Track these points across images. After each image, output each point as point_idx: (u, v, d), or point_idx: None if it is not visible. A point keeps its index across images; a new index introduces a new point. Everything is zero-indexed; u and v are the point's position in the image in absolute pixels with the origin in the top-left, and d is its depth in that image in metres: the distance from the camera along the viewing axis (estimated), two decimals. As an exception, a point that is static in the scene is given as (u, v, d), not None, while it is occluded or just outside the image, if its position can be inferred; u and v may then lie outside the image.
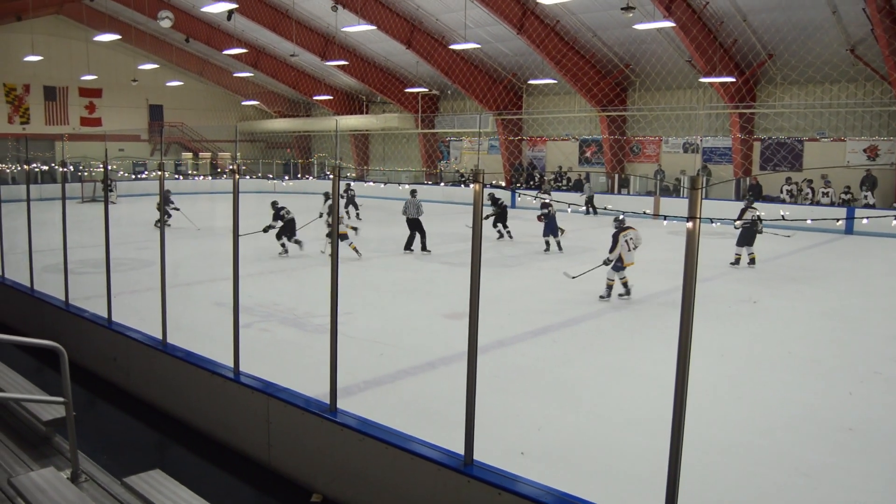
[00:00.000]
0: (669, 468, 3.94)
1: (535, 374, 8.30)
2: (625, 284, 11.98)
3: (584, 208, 25.83)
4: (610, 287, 11.94)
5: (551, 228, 17.13)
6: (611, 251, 11.71)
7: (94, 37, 30.12)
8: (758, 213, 15.38)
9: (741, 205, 16.59)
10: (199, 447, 6.94)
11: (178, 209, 21.19)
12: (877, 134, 24.26)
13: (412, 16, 29.27)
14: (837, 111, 24.89)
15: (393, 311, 11.41)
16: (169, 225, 20.83)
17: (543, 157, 33.78)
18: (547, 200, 16.12)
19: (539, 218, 17.31)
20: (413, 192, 17.09)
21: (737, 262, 15.54)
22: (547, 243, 17.31)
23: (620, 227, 11.75)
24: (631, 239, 11.70)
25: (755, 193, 26.40)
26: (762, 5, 22.11)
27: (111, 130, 38.65)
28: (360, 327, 9.94)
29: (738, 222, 15.35)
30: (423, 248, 16.93)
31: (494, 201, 19.36)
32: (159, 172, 8.15)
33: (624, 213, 6.08)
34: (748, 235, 15.40)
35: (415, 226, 16.93)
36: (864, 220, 13.15)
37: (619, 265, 11.74)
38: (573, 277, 12.34)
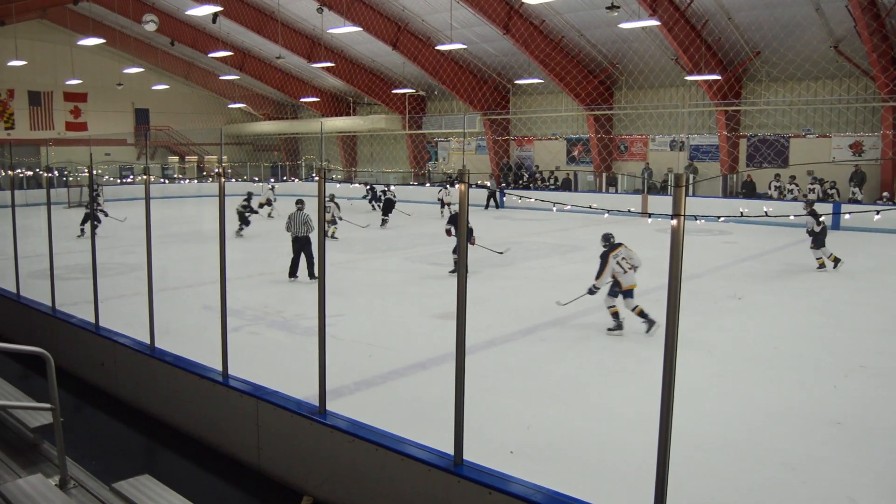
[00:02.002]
0: (658, 465, 3.97)
1: (524, 373, 8.31)
2: (640, 314, 9.84)
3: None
4: (615, 315, 9.99)
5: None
6: (597, 276, 9.93)
7: (79, 41, 29.96)
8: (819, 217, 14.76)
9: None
10: (188, 451, 6.92)
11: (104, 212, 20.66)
12: (861, 130, 24.45)
13: (398, 17, 29.27)
14: (822, 108, 25.06)
15: (383, 312, 11.40)
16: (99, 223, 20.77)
17: (531, 156, 33.85)
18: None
19: (447, 233, 14.88)
20: (299, 205, 13.63)
21: (822, 266, 14.84)
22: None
23: (610, 247, 9.91)
24: (624, 259, 9.80)
25: (748, 191, 26.56)
26: (746, 3, 22.25)
27: (97, 135, 38.44)
28: (349, 329, 9.93)
29: (816, 227, 14.66)
30: (311, 274, 13.35)
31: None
32: (145, 177, 8.11)
33: (609, 210, 5.77)
34: (819, 238, 14.85)
35: (301, 246, 13.43)
36: (847, 216, 13.09)
37: (615, 290, 9.92)
38: (563, 304, 10.93)
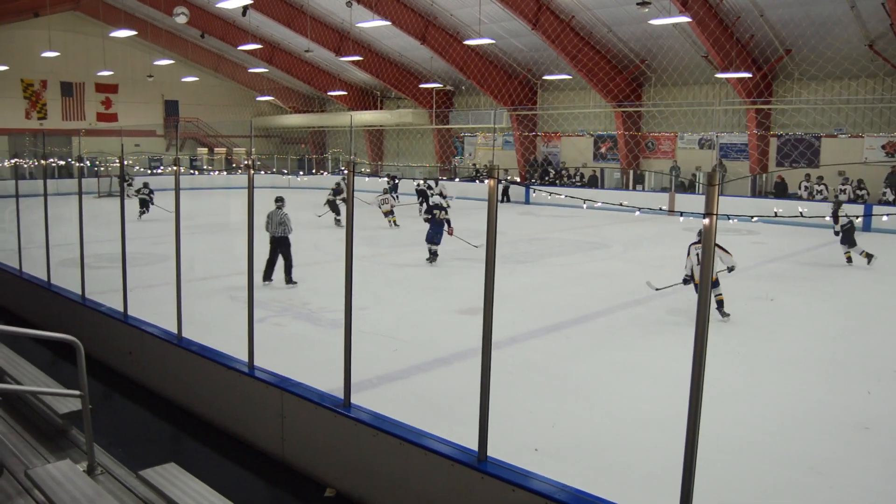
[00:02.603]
0: (685, 466, 3.92)
1: (548, 371, 8.28)
2: (719, 303, 10.48)
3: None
4: (719, 303, 10.57)
5: (434, 233, 15.08)
6: (686, 266, 10.68)
7: (111, 33, 30.32)
8: (848, 215, 15.21)
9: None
10: (213, 441, 6.98)
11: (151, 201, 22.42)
12: (895, 130, 24.00)
13: (427, 11, 29.23)
14: (856, 107, 24.63)
15: (407, 306, 11.42)
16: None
17: (558, 152, 33.68)
18: (442, 203, 15.29)
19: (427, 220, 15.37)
20: (278, 202, 12.61)
21: (849, 260, 15.39)
22: (433, 252, 15.16)
23: (697, 240, 10.28)
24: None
25: (779, 191, 26.23)
26: (779, 0, 21.92)
27: (127, 126, 38.87)
28: (373, 322, 9.95)
29: (836, 226, 15.32)
30: (288, 279, 12.50)
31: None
32: (174, 167, 8.18)
33: (640, 208, 5.98)
34: (848, 235, 15.28)
35: (278, 247, 12.54)
36: (884, 218, 12.97)
37: (688, 279, 10.61)
38: (657, 289, 11.47)
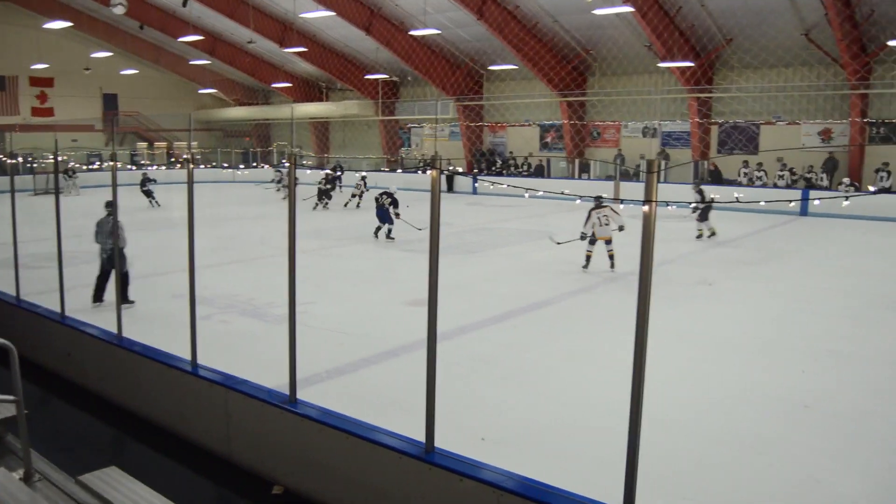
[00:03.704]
0: (628, 450, 3.98)
1: (496, 360, 8.32)
2: (610, 257, 13.14)
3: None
4: (588, 258, 13.28)
5: (382, 216, 17.08)
6: (584, 225, 13.10)
7: (45, 24, 29.31)
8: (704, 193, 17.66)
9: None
10: (157, 442, 6.84)
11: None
12: (830, 117, 24.71)
13: (371, 2, 29.04)
14: (792, 95, 25.29)
15: (354, 299, 11.35)
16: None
17: (504, 142, 33.83)
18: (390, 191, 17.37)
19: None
20: (109, 208, 10.10)
21: (700, 236, 17.35)
22: (381, 229, 17.21)
23: (596, 206, 12.94)
24: (605, 216, 12.91)
25: (714, 178, 26.79)
26: (719, -10, 22.36)
27: (64, 120, 37.71)
28: (321, 316, 9.87)
29: (692, 204, 17.17)
30: (124, 298, 9.74)
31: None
32: (112, 163, 7.95)
33: (581, 197, 6.43)
34: (704, 213, 17.24)
35: (110, 262, 10.11)
36: (816, 202, 13.60)
37: (592, 238, 13.09)
38: (558, 244, 14.11)
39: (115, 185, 8.56)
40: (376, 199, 17.31)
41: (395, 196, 17.16)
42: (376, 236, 17.28)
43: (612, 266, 13.06)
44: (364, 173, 26.34)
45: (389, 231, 17.12)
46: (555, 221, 20.18)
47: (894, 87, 22.87)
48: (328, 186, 24.44)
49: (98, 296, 10.48)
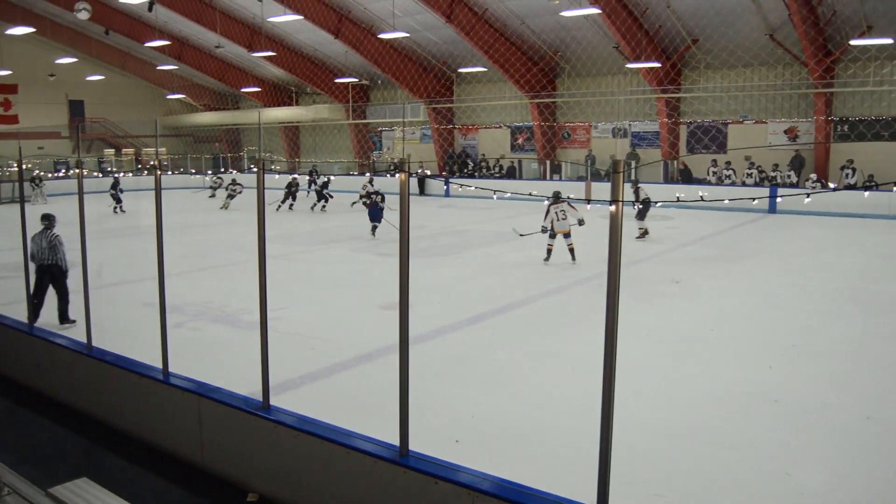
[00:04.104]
0: (601, 448, 4.02)
1: (470, 362, 8.34)
2: (570, 251, 14.08)
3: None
4: (549, 251, 14.21)
5: (375, 214, 18.34)
6: (544, 220, 14.06)
7: (7, 30, 28.83)
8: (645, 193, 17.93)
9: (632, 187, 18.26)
10: (129, 453, 6.75)
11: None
12: (795, 116, 25.12)
13: (340, 5, 28.96)
14: (758, 95, 25.67)
15: (327, 304, 11.31)
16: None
17: (476, 144, 33.92)
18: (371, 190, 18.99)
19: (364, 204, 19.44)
20: (45, 221, 9.86)
21: (641, 235, 17.23)
22: (377, 228, 18.24)
23: (553, 201, 13.70)
24: (562, 211, 13.83)
25: (684, 177, 27.09)
26: (684, -9, 22.63)
27: (28, 128, 37.07)
28: (294, 322, 9.82)
29: (639, 204, 17.37)
30: (63, 317, 9.76)
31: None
32: (78, 170, 7.86)
33: (549, 198, 6.61)
34: (642, 212, 17.35)
35: (48, 276, 9.77)
36: (779, 199, 13.87)
37: (552, 232, 14.00)
38: (521, 235, 15.45)
39: (81, 193, 8.46)
40: (369, 198, 18.62)
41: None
42: (374, 235, 18.02)
43: (573, 259, 14.00)
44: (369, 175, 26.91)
45: (374, 228, 18.12)
46: (526, 222, 20.26)
47: (856, 86, 23.32)
48: (320, 188, 25.21)
49: (35, 314, 9.22)
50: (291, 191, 24.83)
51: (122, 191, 25.23)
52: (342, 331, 9.65)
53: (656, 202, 16.55)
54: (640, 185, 18.68)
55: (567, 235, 13.98)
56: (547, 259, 14.11)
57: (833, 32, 22.45)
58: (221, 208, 25.35)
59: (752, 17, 22.87)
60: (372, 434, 5.29)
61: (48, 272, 9.80)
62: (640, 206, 17.10)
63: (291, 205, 24.81)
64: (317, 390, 7.46)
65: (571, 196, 14.38)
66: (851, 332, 9.49)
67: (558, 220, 13.86)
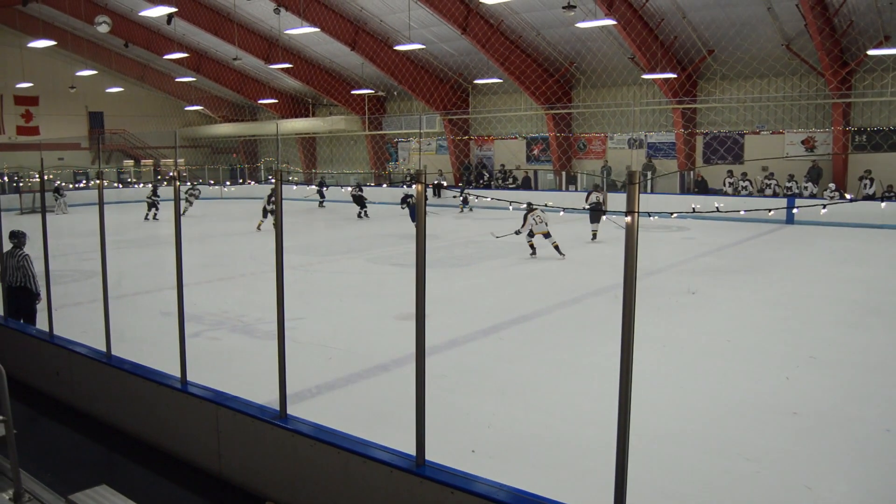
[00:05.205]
0: (617, 459, 4.01)
1: (485, 372, 8.35)
2: (556, 248, 16.08)
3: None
4: (532, 246, 16.32)
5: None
6: (522, 226, 16.17)
7: (29, 43, 29.27)
8: (601, 197, 20.03)
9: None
10: (147, 460, 6.81)
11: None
12: (813, 126, 24.99)
13: (356, 17, 29.16)
14: (775, 105, 25.57)
15: (343, 314, 11.35)
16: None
17: (492, 155, 33.98)
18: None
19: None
20: (14, 240, 9.45)
21: (595, 237, 19.01)
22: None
23: (528, 210, 15.92)
24: (538, 216, 15.92)
25: (701, 188, 27.02)
26: (701, 2, 22.62)
27: (49, 139, 37.58)
28: (310, 332, 9.87)
29: (586, 205, 19.06)
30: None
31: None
32: (98, 181, 7.96)
33: (565, 208, 6.79)
34: (595, 215, 18.82)
35: (16, 299, 9.41)
36: (795, 210, 13.84)
37: (531, 233, 16.07)
38: (497, 237, 17.44)
39: (101, 203, 8.57)
40: (407, 202, 21.50)
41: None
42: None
43: (560, 254, 15.96)
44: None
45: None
46: (508, 226, 20.26)
47: (873, 97, 23.18)
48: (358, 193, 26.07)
49: None
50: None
51: (159, 197, 25.81)
52: (359, 341, 9.68)
53: (606, 211, 18.90)
54: (599, 191, 20.97)
55: (547, 235, 15.96)
56: (533, 254, 16.21)
57: (849, 43, 22.35)
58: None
59: (767, 27, 22.82)
60: (388, 444, 5.31)
61: (17, 294, 9.34)
62: (588, 208, 18.60)
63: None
64: (333, 400, 7.49)
65: (586, 207, 15.26)
66: (872, 343, 9.41)
67: (537, 224, 15.91)
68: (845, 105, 23.53)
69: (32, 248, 9.67)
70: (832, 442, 6.36)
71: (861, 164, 23.66)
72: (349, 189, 26.11)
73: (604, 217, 19.41)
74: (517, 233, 16.32)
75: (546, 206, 15.23)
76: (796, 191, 24.24)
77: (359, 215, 25.67)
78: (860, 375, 8.14)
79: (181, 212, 23.50)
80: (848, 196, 22.34)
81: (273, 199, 18.52)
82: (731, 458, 6.02)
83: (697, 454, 6.11)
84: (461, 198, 28.94)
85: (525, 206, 15.62)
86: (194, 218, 25.43)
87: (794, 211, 16.32)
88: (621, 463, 3.99)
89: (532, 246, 16.33)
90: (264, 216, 22.22)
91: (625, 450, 3.98)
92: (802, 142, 25.34)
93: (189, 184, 27.74)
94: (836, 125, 23.77)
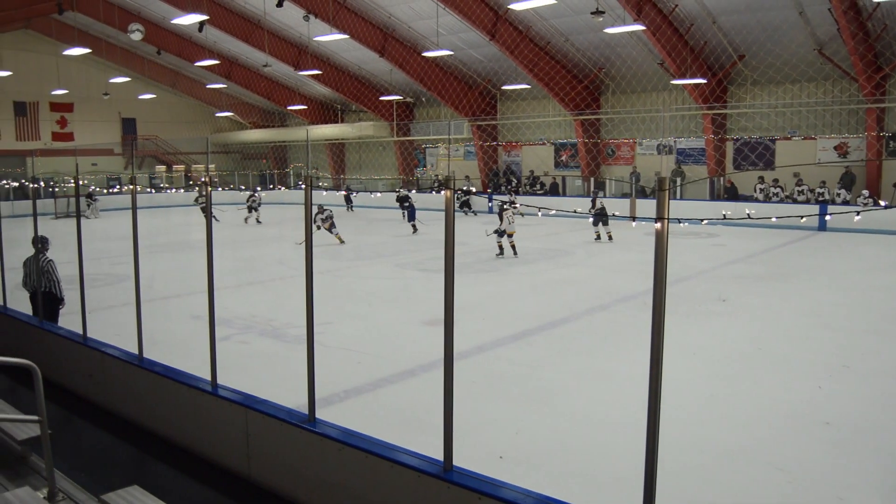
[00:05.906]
0: (646, 467, 3.98)
1: (513, 379, 8.33)
2: (513, 247, 17.10)
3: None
4: (500, 246, 17.18)
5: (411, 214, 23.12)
6: (500, 223, 17.02)
7: (64, 51, 29.84)
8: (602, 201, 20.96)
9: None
10: (177, 462, 6.89)
11: None
12: (846, 131, 24.63)
13: (384, 24, 29.32)
14: (807, 110, 25.24)
15: (371, 319, 11.40)
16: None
17: (520, 161, 33.94)
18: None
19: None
20: (39, 244, 9.52)
21: (598, 238, 19.93)
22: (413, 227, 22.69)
23: (502, 208, 17.12)
24: (511, 214, 16.93)
25: (730, 195, 26.73)
26: (731, 7, 22.41)
27: (83, 145, 38.25)
28: (338, 336, 9.92)
29: (592, 210, 19.99)
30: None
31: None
32: (132, 186, 8.08)
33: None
34: (599, 217, 19.62)
35: (42, 304, 9.43)
36: (828, 217, 13.60)
37: (501, 232, 17.01)
38: (488, 234, 17.67)
39: (134, 209, 8.70)
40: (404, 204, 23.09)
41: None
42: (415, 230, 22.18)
43: (515, 253, 17.00)
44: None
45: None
46: (570, 240, 20.19)
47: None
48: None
49: None
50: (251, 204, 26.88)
51: (258, 201, 27.11)
52: (387, 346, 9.72)
53: (614, 213, 19.63)
54: (599, 196, 22.37)
55: (511, 235, 17.00)
56: (500, 254, 17.09)
57: (883, 47, 22.02)
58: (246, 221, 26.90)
59: (799, 32, 22.54)
60: (416, 448, 5.32)
61: (42, 300, 9.39)
62: (595, 213, 19.48)
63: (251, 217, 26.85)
64: (362, 404, 7.53)
65: (616, 213, 15.48)
66: (905, 353, 9.25)
67: (510, 222, 16.83)
68: (879, 110, 23.17)
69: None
70: (865, 453, 6.25)
71: (895, 170, 23.27)
72: (398, 193, 26.03)
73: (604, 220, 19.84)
74: (497, 231, 17.09)
75: (575, 212, 14.96)
76: (828, 197, 23.90)
77: (413, 227, 23.80)
78: (894, 385, 8.00)
79: (254, 220, 24.25)
80: (882, 203, 21.96)
81: (323, 214, 19.49)
82: (762, 467, 5.95)
83: (727, 463, 6.04)
84: (490, 204, 28.88)
85: (502, 203, 16.82)
86: (266, 225, 26.30)
87: (827, 218, 16.01)
88: (650, 471, 3.96)
89: (500, 246, 17.06)
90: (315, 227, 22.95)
91: (654, 458, 3.95)
92: (835, 147, 24.97)
93: (252, 192, 28.86)
94: (869, 130, 23.40)
